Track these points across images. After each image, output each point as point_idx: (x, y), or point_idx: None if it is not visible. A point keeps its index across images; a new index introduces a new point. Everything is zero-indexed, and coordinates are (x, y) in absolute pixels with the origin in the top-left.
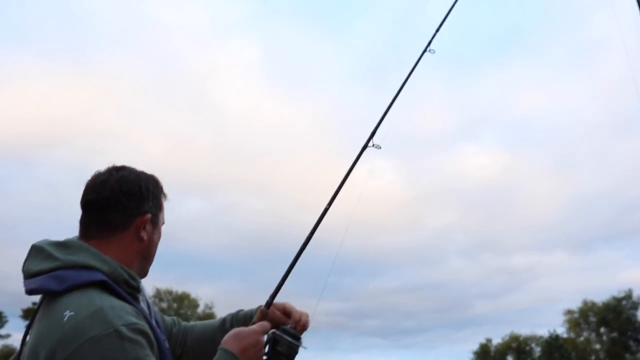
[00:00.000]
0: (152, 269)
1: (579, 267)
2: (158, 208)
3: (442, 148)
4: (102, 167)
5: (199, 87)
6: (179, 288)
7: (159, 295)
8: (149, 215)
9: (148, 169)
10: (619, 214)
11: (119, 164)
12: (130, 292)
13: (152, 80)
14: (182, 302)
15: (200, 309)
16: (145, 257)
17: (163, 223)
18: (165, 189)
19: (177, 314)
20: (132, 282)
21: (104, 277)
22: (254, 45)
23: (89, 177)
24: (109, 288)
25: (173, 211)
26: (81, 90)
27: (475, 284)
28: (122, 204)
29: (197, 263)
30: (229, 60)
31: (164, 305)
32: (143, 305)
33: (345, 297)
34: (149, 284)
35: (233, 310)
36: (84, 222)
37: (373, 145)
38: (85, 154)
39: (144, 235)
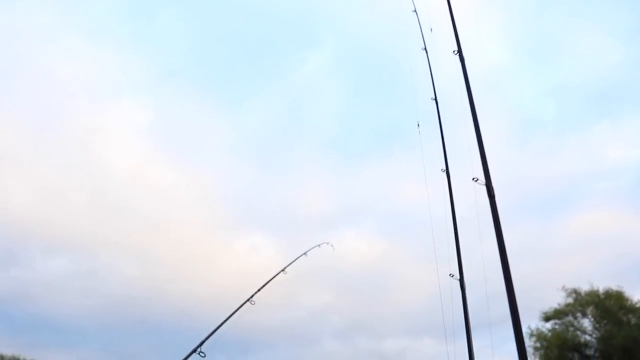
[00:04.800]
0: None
1: (444, 354)
2: None
3: (323, 229)
4: None
5: (82, 142)
6: (27, 355)
7: None
8: None
9: (10, 221)
10: (482, 305)
11: None
12: None
13: (30, 127)
14: None
15: None
16: None
17: None
18: (27, 244)
19: None
20: None
21: None
22: (146, 108)
23: None
24: None
25: (32, 269)
26: None
27: None
28: None
29: (54, 328)
30: (118, 119)
31: None
32: None
33: None
34: None
35: None
36: None
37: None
38: None
39: None
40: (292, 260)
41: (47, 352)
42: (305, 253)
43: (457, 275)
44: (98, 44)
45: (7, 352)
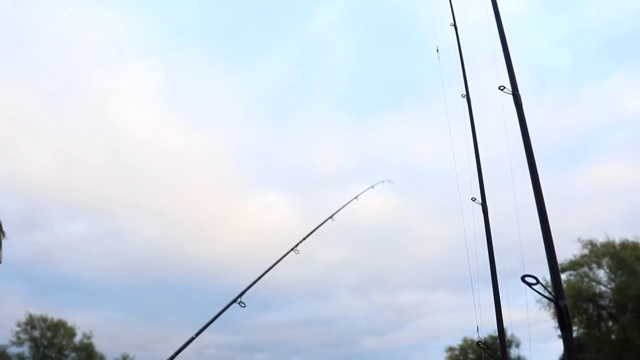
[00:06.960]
0: (26, 294)
1: (459, 307)
2: None
3: (337, 186)
4: None
5: (96, 106)
6: (54, 315)
7: (31, 322)
8: None
9: (29, 186)
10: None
11: None
12: None
13: (43, 93)
14: (57, 331)
15: (77, 339)
16: None
17: (0, 262)
18: (47, 208)
19: (50, 343)
20: None
21: None
22: (156, 70)
23: None
24: None
25: (54, 233)
26: None
27: (363, 320)
28: None
29: (77, 289)
30: (129, 82)
31: (37, 333)
32: None
33: (235, 330)
34: (22, 310)
35: (113, 340)
36: None
37: None
38: None
39: None
40: (342, 205)
41: (73, 312)
42: (356, 197)
43: (479, 199)
44: (104, 7)
45: (35, 312)
